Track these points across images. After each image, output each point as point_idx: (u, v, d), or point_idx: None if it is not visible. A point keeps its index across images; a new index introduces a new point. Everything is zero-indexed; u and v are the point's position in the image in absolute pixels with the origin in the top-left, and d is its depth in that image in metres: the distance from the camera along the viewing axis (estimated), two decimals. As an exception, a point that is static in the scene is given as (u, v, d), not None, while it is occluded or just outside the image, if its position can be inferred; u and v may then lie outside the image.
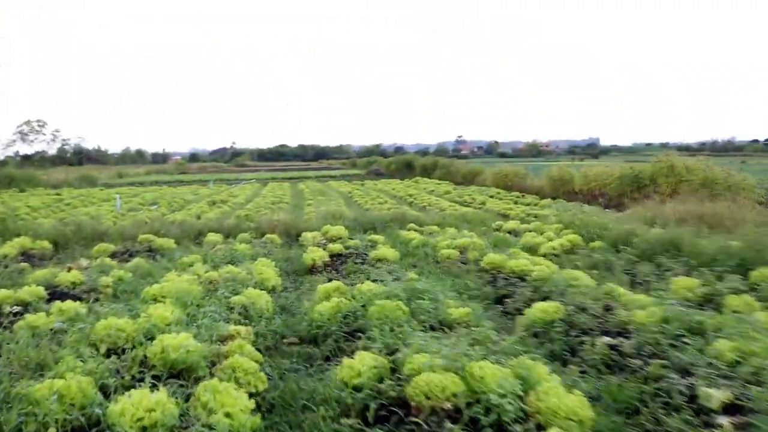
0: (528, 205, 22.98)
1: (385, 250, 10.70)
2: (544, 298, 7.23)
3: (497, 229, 14.91)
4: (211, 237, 12.82)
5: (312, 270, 9.96)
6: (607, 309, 6.56)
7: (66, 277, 8.14)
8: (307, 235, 12.82)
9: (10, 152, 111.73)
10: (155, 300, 6.78)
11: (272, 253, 11.54)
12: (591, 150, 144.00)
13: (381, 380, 4.36)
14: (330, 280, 8.94)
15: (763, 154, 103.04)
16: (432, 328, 5.85)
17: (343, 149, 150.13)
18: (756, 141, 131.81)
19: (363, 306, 6.37)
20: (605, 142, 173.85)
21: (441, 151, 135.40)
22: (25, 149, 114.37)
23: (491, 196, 27.19)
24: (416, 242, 12.05)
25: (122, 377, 4.43)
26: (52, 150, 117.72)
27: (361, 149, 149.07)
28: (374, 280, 8.20)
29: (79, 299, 7.55)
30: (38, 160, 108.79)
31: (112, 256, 11.22)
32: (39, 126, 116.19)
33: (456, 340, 5.08)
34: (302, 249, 11.92)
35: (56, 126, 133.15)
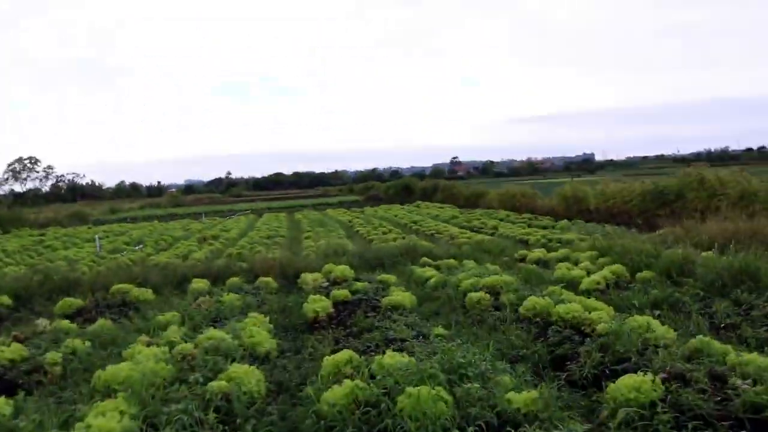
0: (545, 228, 21.27)
1: (400, 295, 9.01)
2: (619, 361, 5.53)
3: (521, 260, 13.21)
4: (197, 284, 11.07)
5: (314, 324, 8.23)
6: (715, 377, 4.86)
7: (3, 353, 6.41)
8: (306, 277, 11.11)
9: (3, 191, 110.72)
10: (107, 389, 5.10)
11: (266, 302, 9.82)
12: (587, 166, 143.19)
13: None
14: (337, 341, 7.23)
15: (760, 163, 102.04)
16: (488, 428, 4.14)
17: (339, 175, 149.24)
18: (750, 149, 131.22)
19: (386, 392, 4.65)
20: (599, 157, 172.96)
21: (437, 173, 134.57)
22: (19, 187, 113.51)
23: (501, 220, 25.53)
24: (434, 281, 10.37)
25: None
26: (45, 187, 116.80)
27: (357, 175, 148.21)
28: (394, 342, 6.53)
29: (17, 385, 5.90)
30: (31, 198, 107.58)
31: (78, 313, 9.56)
32: (31, 163, 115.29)
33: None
34: (301, 295, 10.22)
35: (50, 162, 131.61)
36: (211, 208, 61.27)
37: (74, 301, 10.00)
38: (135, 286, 11.13)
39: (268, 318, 8.07)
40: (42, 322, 8.90)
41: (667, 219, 19.98)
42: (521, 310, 7.68)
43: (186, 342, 6.74)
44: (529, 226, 22.50)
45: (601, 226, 19.98)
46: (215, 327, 7.75)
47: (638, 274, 9.91)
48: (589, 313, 7.12)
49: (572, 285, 9.89)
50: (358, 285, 10.01)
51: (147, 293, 10.53)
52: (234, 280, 11.53)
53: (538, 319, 7.41)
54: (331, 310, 8.52)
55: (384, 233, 21.81)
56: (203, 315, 8.40)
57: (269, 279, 11.49)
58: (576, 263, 11.79)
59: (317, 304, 8.45)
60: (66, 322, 8.17)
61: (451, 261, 12.51)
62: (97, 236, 21.43)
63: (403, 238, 19.27)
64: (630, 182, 24.04)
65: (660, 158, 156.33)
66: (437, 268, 12.28)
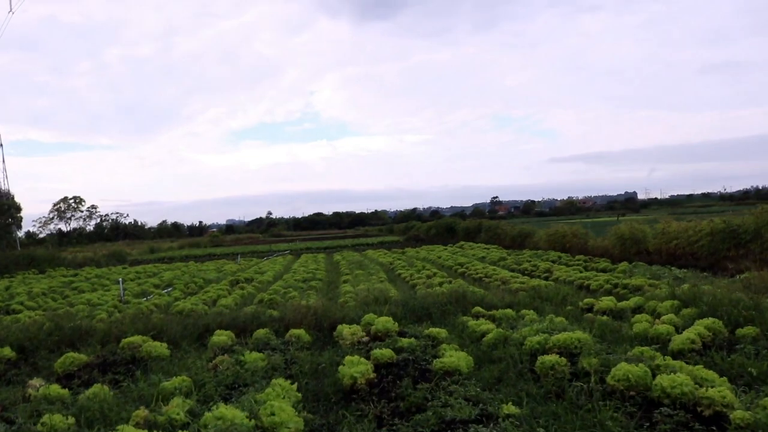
0: (605, 271, 19.46)
1: (453, 355, 7.51)
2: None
3: (587, 309, 11.57)
4: (219, 338, 9.71)
5: (352, 393, 6.77)
6: None
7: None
8: (343, 330, 9.66)
9: (49, 230, 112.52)
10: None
11: (296, 361, 8.38)
12: (630, 204, 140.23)
13: None
14: (380, 421, 5.77)
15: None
16: None
17: (378, 215, 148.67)
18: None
19: None
20: (641, 195, 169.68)
21: (477, 213, 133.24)
22: (64, 227, 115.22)
23: (553, 261, 23.72)
24: (492, 338, 8.83)
25: None
26: (90, 226, 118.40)
27: (396, 214, 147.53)
28: (453, 427, 5.07)
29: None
30: (76, 236, 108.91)
31: (80, 370, 8.29)
32: (76, 203, 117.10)
33: None
34: (337, 351, 8.80)
35: (94, 202, 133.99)
36: (250, 249, 60.48)
37: (77, 357, 8.71)
38: (150, 339, 9.82)
39: (296, 385, 6.62)
40: (35, 383, 7.68)
41: (740, 261, 18.10)
42: (609, 380, 6.10)
43: (190, 422, 5.37)
44: (586, 269, 20.71)
45: (667, 269, 18.15)
46: (230, 398, 6.37)
47: (738, 331, 8.27)
48: (703, 387, 5.54)
49: (658, 342, 8.30)
50: (404, 342, 8.53)
51: (161, 348, 9.19)
52: (261, 332, 10.13)
53: (633, 393, 5.83)
54: (372, 375, 7.05)
55: (428, 277, 20.22)
56: (218, 380, 7.00)
57: (301, 331, 10.06)
58: (654, 314, 10.16)
59: (355, 369, 6.99)
60: (56, 388, 6.84)
61: (508, 311, 10.94)
62: (120, 279, 20.29)
63: (450, 282, 17.71)
64: (694, 220, 22.10)
65: (706, 196, 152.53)
66: (492, 319, 10.75)
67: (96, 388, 6.73)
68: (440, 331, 9.37)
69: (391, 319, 9.74)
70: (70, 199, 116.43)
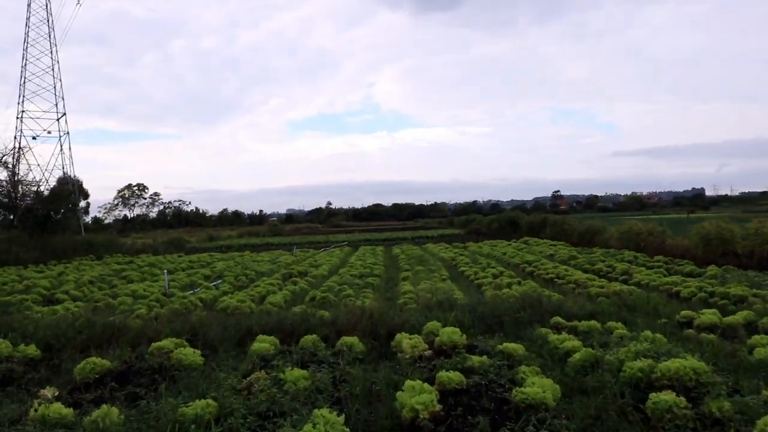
0: (692, 276, 17.59)
1: (536, 383, 6.11)
2: None
3: (686, 323, 9.94)
4: (260, 344, 8.50)
5: (412, 430, 5.46)
6: None
7: None
8: (402, 341, 8.34)
9: (114, 216, 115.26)
10: None
11: (345, 379, 7.10)
12: (699, 201, 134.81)
13: None
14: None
15: None
16: None
17: (438, 208, 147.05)
18: None
19: None
20: (709, 192, 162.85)
21: (538, 206, 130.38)
22: (128, 213, 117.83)
23: (629, 262, 21.86)
24: (579, 359, 7.37)
25: None
26: (153, 213, 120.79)
27: (456, 207, 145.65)
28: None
29: None
30: (139, 223, 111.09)
31: (100, 380, 7.21)
32: (139, 190, 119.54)
33: None
34: (395, 367, 7.53)
35: (158, 190, 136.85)
36: (309, 239, 59.88)
37: (99, 362, 7.62)
38: (185, 342, 8.72)
39: (343, 417, 5.33)
40: (47, 394, 6.72)
41: None
42: (753, 434, 4.62)
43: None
44: (669, 271, 18.84)
45: (766, 275, 16.19)
46: (261, 434, 5.14)
47: None
48: None
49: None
50: (474, 360, 7.15)
51: (193, 356, 8.04)
52: (309, 339, 8.89)
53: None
54: (438, 407, 5.71)
55: (495, 276, 18.66)
56: (250, 406, 5.77)
57: (354, 340, 8.77)
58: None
59: (417, 399, 5.65)
60: (57, 407, 5.71)
61: (593, 323, 9.43)
62: (165, 271, 19.45)
63: (519, 283, 16.20)
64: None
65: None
66: (575, 332, 9.27)
67: (103, 410, 5.58)
68: (516, 347, 7.95)
69: (458, 330, 8.36)
70: (134, 186, 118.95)
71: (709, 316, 9.77)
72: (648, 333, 8.44)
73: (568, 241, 37.35)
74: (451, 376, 6.40)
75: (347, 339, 8.81)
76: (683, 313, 10.24)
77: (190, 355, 8.11)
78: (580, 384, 6.76)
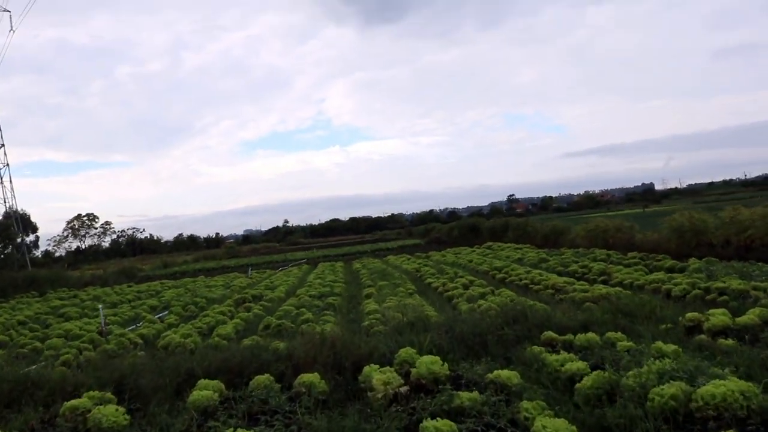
0: (674, 271, 16.52)
1: (548, 427, 4.77)
2: None
3: (694, 327, 8.71)
4: (200, 394, 6.94)
5: None
6: None
7: None
8: (372, 376, 6.89)
9: (64, 248, 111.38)
10: None
11: (305, 435, 5.64)
12: (650, 196, 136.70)
13: None
14: None
15: None
16: None
17: (395, 219, 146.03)
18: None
19: None
20: (659, 186, 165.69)
21: (495, 211, 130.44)
22: (79, 244, 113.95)
23: (603, 261, 20.79)
24: (590, 386, 6.03)
25: None
26: (105, 243, 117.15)
27: (414, 217, 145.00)
28: None
29: None
30: (92, 254, 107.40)
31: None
32: (89, 220, 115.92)
33: None
34: (364, 414, 6.11)
35: (111, 219, 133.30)
36: (266, 259, 58.04)
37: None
38: (110, 395, 7.17)
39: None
40: None
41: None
42: None
43: None
44: (648, 268, 17.77)
45: (753, 265, 15.20)
46: None
47: None
48: None
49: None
50: (464, 398, 5.77)
51: (116, 414, 6.46)
52: (260, 380, 7.38)
53: None
54: (427, 474, 4.30)
55: (465, 287, 17.26)
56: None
57: (314, 377, 7.28)
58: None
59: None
60: None
61: (591, 336, 8.14)
62: (100, 307, 17.62)
63: (493, 292, 14.90)
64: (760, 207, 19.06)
65: (727, 183, 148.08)
66: (570, 347, 7.98)
67: None
68: (510, 375, 6.58)
69: (437, 359, 6.96)
70: (84, 216, 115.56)
71: (719, 317, 8.55)
72: (660, 344, 7.16)
73: (532, 243, 36.42)
74: (438, 426, 4.99)
75: (306, 377, 7.32)
76: (689, 315, 8.99)
77: (112, 414, 6.51)
78: (598, 420, 5.42)
